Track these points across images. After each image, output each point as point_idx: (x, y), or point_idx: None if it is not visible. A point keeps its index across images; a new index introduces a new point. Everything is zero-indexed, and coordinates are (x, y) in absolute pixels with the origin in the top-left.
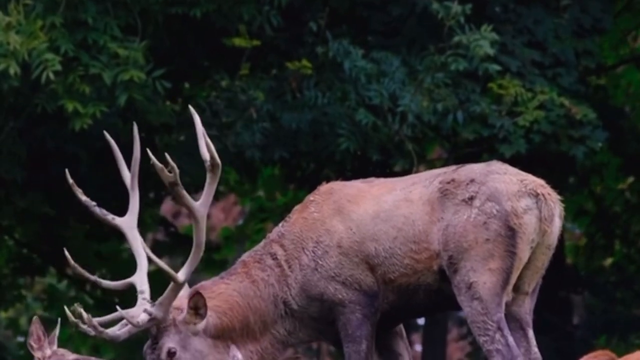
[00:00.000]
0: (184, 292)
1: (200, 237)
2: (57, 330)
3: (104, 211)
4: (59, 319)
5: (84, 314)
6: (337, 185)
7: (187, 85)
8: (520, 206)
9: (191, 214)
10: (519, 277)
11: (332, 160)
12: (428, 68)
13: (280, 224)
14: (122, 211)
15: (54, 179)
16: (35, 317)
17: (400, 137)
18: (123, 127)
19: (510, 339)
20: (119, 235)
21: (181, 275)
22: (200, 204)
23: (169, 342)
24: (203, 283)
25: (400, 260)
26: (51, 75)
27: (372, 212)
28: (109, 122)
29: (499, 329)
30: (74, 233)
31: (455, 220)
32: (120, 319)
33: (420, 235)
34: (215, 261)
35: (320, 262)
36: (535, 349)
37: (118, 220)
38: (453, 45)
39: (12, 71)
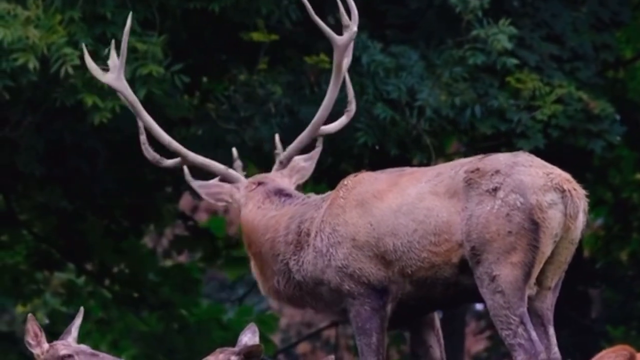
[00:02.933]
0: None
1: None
2: (78, 320)
3: None
4: (81, 308)
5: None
6: (368, 177)
7: (205, 79)
8: (546, 200)
9: (331, 41)
10: (542, 272)
11: (350, 154)
12: (446, 62)
13: (324, 196)
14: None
15: (72, 173)
16: (29, 315)
17: (418, 131)
18: None
19: (533, 334)
20: (136, 232)
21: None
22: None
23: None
24: (270, 187)
25: (418, 254)
26: (70, 70)
27: (395, 206)
28: (127, 117)
29: (522, 323)
30: (92, 227)
31: (479, 210)
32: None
33: (442, 227)
34: (234, 258)
35: (331, 250)
36: (556, 349)
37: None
38: (471, 39)
39: (31, 65)
